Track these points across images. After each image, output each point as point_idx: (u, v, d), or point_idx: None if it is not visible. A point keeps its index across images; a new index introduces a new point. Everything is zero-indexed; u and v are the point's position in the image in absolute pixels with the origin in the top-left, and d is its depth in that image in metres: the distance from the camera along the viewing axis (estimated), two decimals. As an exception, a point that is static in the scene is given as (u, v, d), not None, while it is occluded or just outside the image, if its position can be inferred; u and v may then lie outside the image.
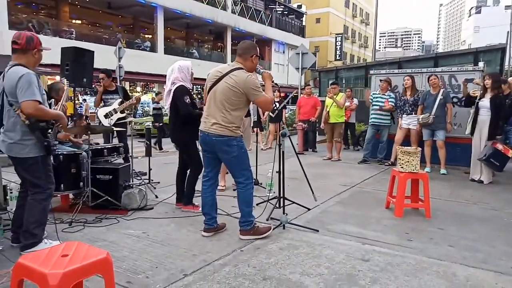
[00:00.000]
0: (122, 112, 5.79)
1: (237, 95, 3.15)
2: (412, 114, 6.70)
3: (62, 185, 3.96)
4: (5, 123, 2.91)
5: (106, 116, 5.72)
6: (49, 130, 2.95)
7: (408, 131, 6.82)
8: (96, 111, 6.11)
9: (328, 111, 7.85)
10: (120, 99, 5.83)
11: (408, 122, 6.77)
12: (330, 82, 9.40)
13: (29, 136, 2.89)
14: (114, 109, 5.72)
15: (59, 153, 3.95)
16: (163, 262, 2.84)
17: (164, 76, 4.36)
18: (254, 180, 5.37)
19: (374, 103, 7.35)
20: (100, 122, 5.82)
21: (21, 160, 2.91)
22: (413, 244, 3.25)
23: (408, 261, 2.89)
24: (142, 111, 20.99)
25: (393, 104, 7.13)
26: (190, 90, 4.08)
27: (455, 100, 6.81)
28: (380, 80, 7.45)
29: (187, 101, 3.92)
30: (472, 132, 5.84)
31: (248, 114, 5.38)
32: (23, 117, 2.84)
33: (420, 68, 8.12)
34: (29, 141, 2.90)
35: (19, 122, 2.87)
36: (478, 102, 5.74)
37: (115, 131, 5.61)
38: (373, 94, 7.50)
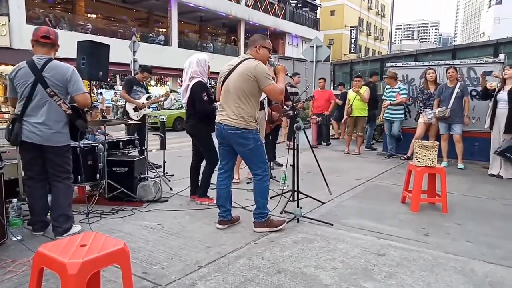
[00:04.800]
0: (148, 107, 6.02)
1: (249, 82, 3.15)
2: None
3: (79, 177, 4.02)
4: (43, 114, 3.01)
5: (135, 109, 5.83)
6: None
7: (429, 125, 6.67)
8: (111, 104, 6.32)
9: (351, 105, 7.77)
10: (148, 95, 6.05)
11: (432, 116, 6.59)
12: (354, 75, 9.25)
13: (67, 125, 3.14)
14: (143, 103, 5.84)
15: (76, 145, 4.01)
16: (178, 253, 2.87)
17: (178, 69, 4.38)
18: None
19: (387, 98, 7.24)
20: (127, 114, 5.92)
21: (59, 148, 3.11)
22: (430, 239, 3.20)
23: (424, 256, 2.85)
24: (156, 104, 21.13)
25: (406, 95, 7.00)
26: (208, 85, 4.07)
27: (473, 93, 6.65)
28: (384, 77, 7.35)
29: (205, 98, 3.90)
30: (491, 126, 5.70)
31: (262, 107, 5.36)
32: (65, 107, 3.08)
33: (438, 60, 7.94)
34: (66, 129, 3.15)
35: (61, 112, 3.08)
36: (496, 95, 5.60)
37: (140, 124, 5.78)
38: (386, 89, 7.41)
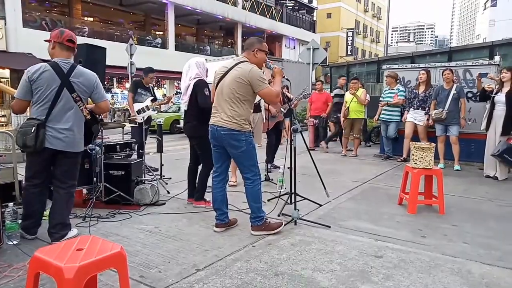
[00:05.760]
0: (153, 110, 6.02)
1: (243, 86, 3.16)
2: (419, 109, 6.60)
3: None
4: (69, 119, 3.00)
5: (139, 112, 5.84)
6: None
7: (415, 126, 6.73)
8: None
9: (348, 107, 7.79)
10: (152, 97, 6.06)
11: (414, 117, 6.68)
12: (351, 78, 9.28)
13: (83, 130, 3.16)
14: (147, 106, 5.85)
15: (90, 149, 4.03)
16: (175, 257, 2.86)
17: (175, 72, 4.40)
18: (265, 176, 5.40)
19: (385, 98, 7.28)
20: (130, 116, 5.93)
21: (76, 154, 3.12)
22: (427, 241, 3.21)
23: (421, 258, 2.85)
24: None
25: (403, 97, 7.05)
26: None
27: (469, 95, 6.69)
28: (386, 76, 7.40)
29: (206, 93, 3.93)
30: (487, 128, 5.73)
31: (258, 110, 5.37)
32: (86, 112, 3.12)
33: (434, 62, 7.98)
34: (82, 135, 3.16)
35: (82, 118, 3.12)
36: (494, 97, 5.63)
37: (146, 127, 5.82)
38: (384, 90, 7.46)
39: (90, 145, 3.86)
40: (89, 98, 3.21)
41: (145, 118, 5.78)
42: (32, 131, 2.86)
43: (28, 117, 3.03)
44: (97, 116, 3.32)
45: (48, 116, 2.94)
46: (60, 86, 2.95)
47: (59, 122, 2.97)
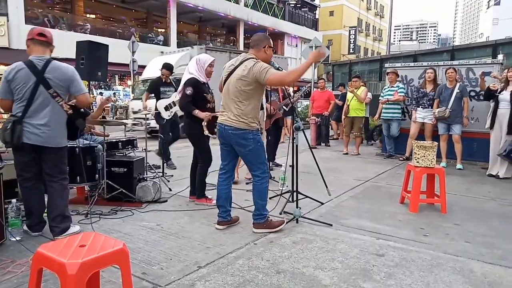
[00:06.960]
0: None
1: (248, 84, 3.14)
2: (429, 108, 6.57)
3: (78, 177, 4.02)
4: (46, 115, 2.99)
5: (166, 108, 5.81)
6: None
7: (423, 125, 6.71)
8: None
9: (348, 105, 7.77)
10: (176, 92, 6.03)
11: (423, 116, 6.64)
12: (353, 76, 9.24)
13: (65, 125, 3.16)
14: (173, 102, 5.78)
15: (75, 145, 4.01)
16: (177, 254, 2.87)
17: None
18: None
19: (385, 96, 7.26)
20: (158, 114, 5.93)
21: (58, 149, 3.12)
22: (429, 240, 3.20)
23: (423, 256, 2.85)
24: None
25: (403, 94, 7.02)
26: (205, 83, 4.07)
27: (472, 94, 6.66)
28: (387, 73, 7.37)
29: (187, 92, 3.92)
30: (491, 126, 5.71)
31: (261, 107, 5.36)
32: (66, 107, 3.09)
33: (437, 61, 7.96)
34: (65, 130, 3.18)
35: (62, 113, 3.09)
36: (498, 95, 5.61)
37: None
38: (384, 88, 7.44)
39: (77, 139, 3.84)
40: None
41: (172, 114, 5.79)
42: (8, 127, 2.93)
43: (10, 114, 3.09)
44: (81, 110, 3.30)
45: (26, 113, 2.97)
46: (35, 84, 2.96)
47: (35, 118, 2.99)
